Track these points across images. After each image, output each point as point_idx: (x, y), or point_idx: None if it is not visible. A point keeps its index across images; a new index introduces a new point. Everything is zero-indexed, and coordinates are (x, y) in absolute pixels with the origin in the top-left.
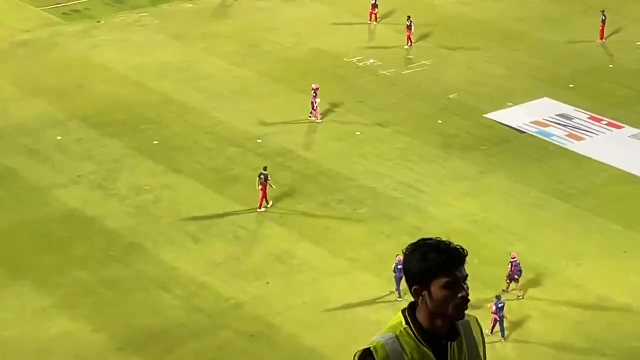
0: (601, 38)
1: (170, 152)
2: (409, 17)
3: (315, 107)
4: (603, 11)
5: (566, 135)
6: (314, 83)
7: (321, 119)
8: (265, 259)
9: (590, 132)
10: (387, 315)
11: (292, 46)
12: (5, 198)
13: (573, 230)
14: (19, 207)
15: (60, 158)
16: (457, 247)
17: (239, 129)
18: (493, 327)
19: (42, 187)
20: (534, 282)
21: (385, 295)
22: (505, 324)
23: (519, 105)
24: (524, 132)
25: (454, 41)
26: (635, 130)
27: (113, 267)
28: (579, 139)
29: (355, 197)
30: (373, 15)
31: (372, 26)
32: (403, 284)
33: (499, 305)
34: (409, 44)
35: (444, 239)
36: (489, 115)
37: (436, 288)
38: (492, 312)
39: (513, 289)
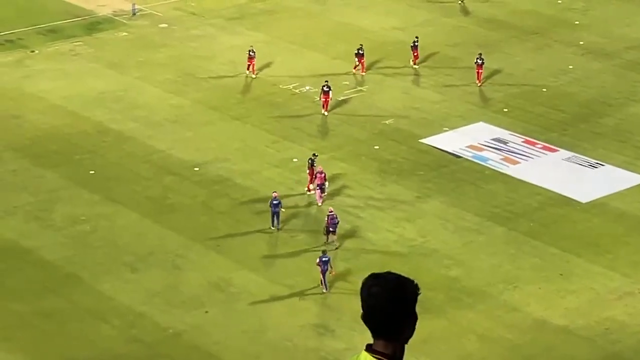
0: (478, 80)
1: (107, 182)
2: (361, 45)
3: None
4: (480, 54)
5: (501, 159)
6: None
7: None
8: (204, 287)
9: (525, 155)
10: (326, 343)
11: (227, 74)
12: None
13: (509, 254)
14: None
15: None
16: None
17: (176, 158)
18: (323, 281)
19: None
20: (471, 306)
21: (325, 322)
22: (329, 278)
23: (455, 130)
24: (460, 157)
25: (389, 67)
26: (569, 154)
27: (49, 298)
28: (514, 162)
29: (294, 223)
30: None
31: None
32: None
33: (324, 259)
34: (362, 72)
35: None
36: (425, 141)
37: None
38: (317, 265)
39: (332, 241)
